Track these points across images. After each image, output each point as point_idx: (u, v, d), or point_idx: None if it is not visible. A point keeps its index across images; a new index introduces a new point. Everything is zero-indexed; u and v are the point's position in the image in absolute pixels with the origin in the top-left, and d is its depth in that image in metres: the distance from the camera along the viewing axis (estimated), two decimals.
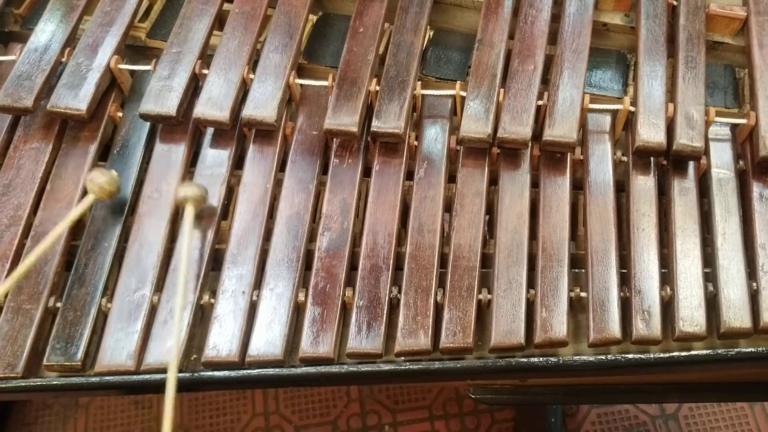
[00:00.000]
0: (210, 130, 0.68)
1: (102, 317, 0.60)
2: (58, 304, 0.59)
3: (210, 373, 0.58)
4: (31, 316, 0.58)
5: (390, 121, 0.64)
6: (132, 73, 0.70)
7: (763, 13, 0.72)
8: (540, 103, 0.65)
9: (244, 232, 0.62)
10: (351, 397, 1.30)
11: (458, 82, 0.67)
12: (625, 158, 0.67)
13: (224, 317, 0.59)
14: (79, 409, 1.30)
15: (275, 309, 0.59)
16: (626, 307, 0.60)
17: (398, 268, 0.62)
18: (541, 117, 0.66)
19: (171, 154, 0.66)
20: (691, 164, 0.66)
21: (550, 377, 0.69)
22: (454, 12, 0.76)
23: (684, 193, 0.64)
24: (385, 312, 0.59)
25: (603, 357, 0.60)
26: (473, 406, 1.29)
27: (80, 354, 0.57)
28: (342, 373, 0.59)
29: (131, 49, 0.74)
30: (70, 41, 0.70)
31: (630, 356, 0.60)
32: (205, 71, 0.67)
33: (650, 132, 0.64)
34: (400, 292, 0.60)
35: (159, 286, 0.60)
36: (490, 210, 0.65)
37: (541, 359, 0.59)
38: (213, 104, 0.65)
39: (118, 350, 0.58)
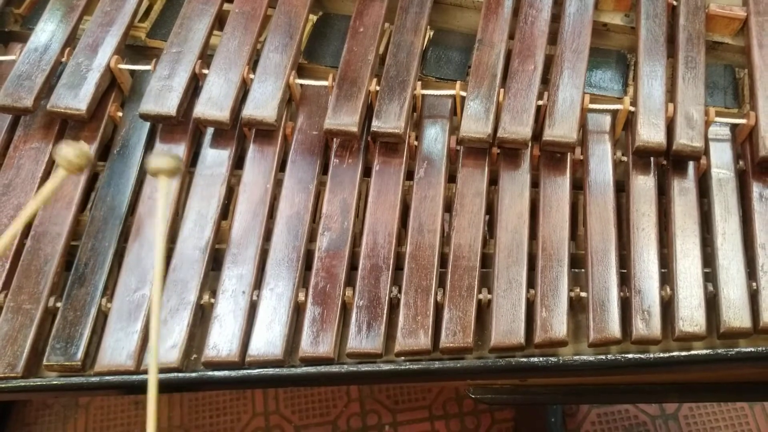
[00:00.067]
0: (210, 130, 0.68)
1: (102, 317, 0.60)
2: (58, 304, 0.59)
3: (210, 373, 0.58)
4: (31, 316, 0.58)
5: (390, 121, 0.64)
6: (132, 73, 0.70)
7: (763, 13, 0.72)
8: (540, 103, 0.65)
9: (244, 231, 0.62)
10: (351, 396, 1.30)
11: (458, 82, 0.67)
12: (625, 158, 0.67)
13: (224, 317, 0.59)
14: (79, 409, 1.30)
15: (275, 309, 0.59)
16: (626, 307, 0.60)
17: (398, 267, 0.62)
18: (541, 117, 0.66)
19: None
20: (691, 164, 0.66)
21: (550, 377, 0.69)
22: (454, 12, 0.76)
23: (684, 193, 0.64)
24: (385, 312, 0.59)
25: (603, 357, 0.60)
26: (473, 406, 1.29)
27: (80, 354, 0.57)
28: (342, 372, 0.59)
29: (131, 49, 0.74)
30: (70, 41, 0.70)
31: (630, 356, 0.60)
32: (205, 71, 0.67)
33: (650, 132, 0.64)
34: (400, 291, 0.60)
35: None
36: (490, 210, 0.65)
37: (541, 359, 0.59)
38: (213, 104, 0.65)
39: (118, 350, 0.58)
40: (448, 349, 0.59)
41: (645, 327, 0.59)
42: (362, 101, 0.65)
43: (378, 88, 0.66)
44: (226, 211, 0.65)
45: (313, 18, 0.76)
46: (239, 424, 1.28)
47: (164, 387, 0.57)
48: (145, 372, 0.57)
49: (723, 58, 0.76)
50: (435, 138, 0.67)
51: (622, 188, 0.66)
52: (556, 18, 0.71)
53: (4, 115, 0.67)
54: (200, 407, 1.29)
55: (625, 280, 0.61)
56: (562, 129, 0.64)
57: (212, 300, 0.60)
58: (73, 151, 0.55)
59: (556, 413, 1.22)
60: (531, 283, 0.61)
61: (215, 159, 0.66)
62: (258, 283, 0.61)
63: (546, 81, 0.68)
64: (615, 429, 1.26)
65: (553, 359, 0.60)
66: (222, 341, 0.58)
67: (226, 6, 0.72)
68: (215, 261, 0.63)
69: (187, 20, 0.70)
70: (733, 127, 0.68)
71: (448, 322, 0.59)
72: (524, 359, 0.60)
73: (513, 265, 0.61)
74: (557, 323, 0.59)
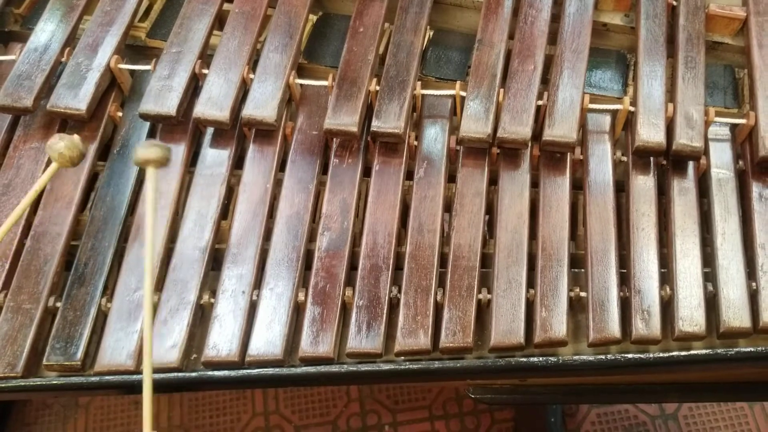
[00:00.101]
0: (210, 130, 0.68)
1: (102, 317, 0.60)
2: (58, 304, 0.59)
3: (210, 373, 0.58)
4: (31, 316, 0.58)
5: (390, 121, 0.64)
6: (132, 72, 0.70)
7: (763, 13, 0.72)
8: (540, 103, 0.65)
9: (244, 231, 0.62)
10: (351, 396, 1.30)
11: (458, 82, 0.67)
12: (624, 158, 0.67)
13: (224, 317, 0.59)
14: (79, 408, 1.30)
15: (275, 309, 0.59)
16: (626, 307, 0.60)
17: (398, 267, 0.62)
18: (540, 117, 0.66)
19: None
20: (691, 164, 0.66)
21: (550, 377, 0.69)
22: (454, 12, 0.76)
23: (683, 193, 0.64)
24: (384, 312, 0.59)
25: (603, 357, 0.60)
26: (473, 406, 1.29)
27: (80, 354, 0.57)
28: (342, 372, 0.59)
29: (131, 48, 0.74)
30: (70, 41, 0.70)
31: (629, 356, 0.60)
32: (205, 71, 0.67)
33: (650, 132, 0.64)
34: (400, 291, 0.60)
35: (159, 286, 0.60)
36: (490, 210, 0.65)
37: (540, 359, 0.59)
38: (213, 104, 0.65)
39: (117, 350, 0.58)
40: (448, 349, 0.59)
41: (645, 327, 0.59)
42: (362, 101, 0.65)
43: (378, 88, 0.66)
44: (226, 211, 0.65)
45: (313, 18, 0.76)
46: (239, 424, 1.28)
47: (164, 387, 0.57)
48: None
49: (723, 58, 0.76)
50: (435, 138, 0.67)
51: (621, 188, 0.66)
52: (556, 18, 0.71)
53: (3, 114, 0.67)
54: (200, 407, 1.29)
55: (624, 280, 0.61)
56: (561, 129, 0.64)
57: (212, 300, 0.60)
58: (64, 144, 0.54)
59: (556, 413, 1.22)
60: (531, 283, 0.61)
61: (215, 159, 0.66)
62: (258, 282, 0.61)
63: (546, 81, 0.68)
64: (615, 429, 1.26)
65: (552, 359, 0.60)
66: (222, 341, 0.58)
67: (226, 6, 0.72)
68: (215, 261, 0.63)
69: (187, 20, 0.70)
70: (733, 127, 0.68)
71: (447, 321, 0.59)
72: (524, 359, 0.60)
73: (513, 265, 0.61)
74: (557, 323, 0.59)
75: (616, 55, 0.75)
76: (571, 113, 0.65)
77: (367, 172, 0.66)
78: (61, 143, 0.54)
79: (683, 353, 0.60)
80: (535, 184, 0.65)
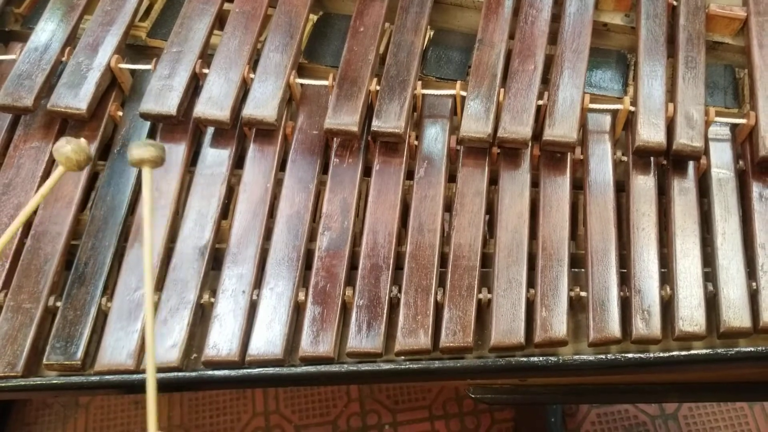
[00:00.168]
0: (210, 130, 0.68)
1: (102, 316, 0.60)
2: (58, 304, 0.59)
3: (210, 372, 0.58)
4: (31, 315, 0.58)
5: (390, 120, 0.64)
6: (132, 72, 0.70)
7: (763, 13, 0.72)
8: (540, 102, 0.65)
9: (244, 231, 0.62)
10: (351, 396, 1.30)
11: (458, 82, 0.67)
12: (625, 158, 0.67)
13: (224, 316, 0.59)
14: (79, 408, 1.30)
15: (275, 308, 0.59)
16: (626, 307, 0.60)
17: (398, 267, 0.62)
18: (541, 117, 0.66)
19: (171, 154, 0.66)
20: (691, 164, 0.66)
21: (550, 377, 0.69)
22: (455, 12, 0.76)
23: (684, 192, 0.64)
24: (385, 311, 0.59)
25: (603, 356, 0.60)
26: (473, 405, 1.29)
27: (80, 353, 0.57)
28: (342, 372, 0.59)
29: (132, 48, 0.75)
30: (71, 40, 0.70)
31: (630, 356, 0.60)
32: (206, 70, 0.67)
33: (650, 132, 0.64)
34: (400, 291, 0.60)
35: (159, 285, 0.60)
36: (490, 209, 0.65)
37: (540, 359, 0.60)
38: (213, 103, 0.65)
39: (118, 349, 0.58)
40: (448, 349, 0.59)
41: (645, 326, 0.59)
42: (362, 101, 0.65)
43: (378, 87, 0.66)
44: (226, 211, 0.65)
45: (314, 18, 0.76)
46: (239, 423, 1.28)
47: (164, 386, 0.57)
48: (145, 371, 0.57)
49: (723, 58, 0.76)
50: (435, 137, 0.67)
51: (622, 188, 0.66)
52: (557, 18, 0.71)
53: (4, 114, 0.67)
54: (200, 407, 1.29)
55: (625, 279, 0.61)
56: (562, 129, 0.64)
57: (212, 299, 0.60)
58: (71, 147, 0.54)
59: (556, 413, 1.22)
60: (531, 283, 0.61)
61: (215, 158, 0.66)
62: (258, 282, 0.61)
63: (546, 81, 0.68)
64: (615, 429, 1.26)
65: (553, 359, 0.60)
66: (222, 340, 0.58)
67: (226, 6, 0.72)
68: (215, 260, 0.63)
69: (188, 20, 0.70)
70: (733, 127, 0.68)
71: (448, 321, 0.59)
72: (524, 359, 0.60)
73: (513, 265, 0.61)
74: (557, 323, 0.59)
75: (616, 55, 0.75)
76: (572, 113, 0.65)
77: (367, 172, 0.66)
78: (68, 147, 0.53)
79: (683, 353, 0.60)
80: (535, 184, 0.65)
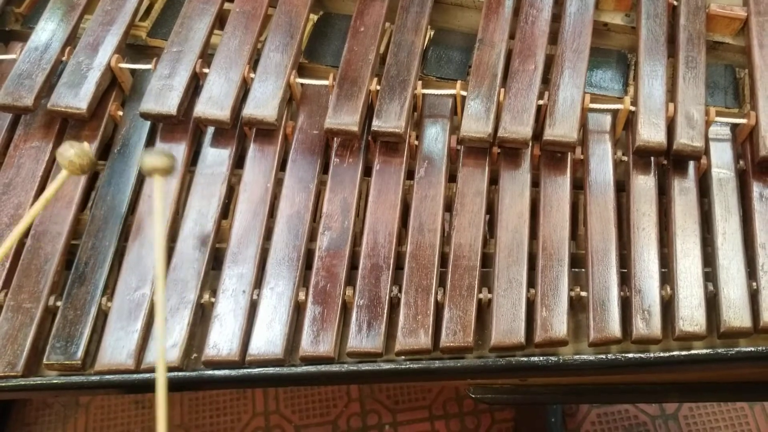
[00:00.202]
0: (210, 129, 0.68)
1: (102, 316, 0.60)
2: (59, 303, 0.59)
3: (210, 372, 0.58)
4: (32, 315, 0.58)
5: (390, 120, 0.64)
6: (133, 72, 0.70)
7: (764, 13, 0.72)
8: (540, 102, 0.65)
9: (244, 231, 0.62)
10: (351, 396, 1.30)
11: (459, 82, 0.67)
12: (625, 158, 0.67)
13: (225, 316, 0.59)
14: (80, 408, 1.30)
15: (276, 308, 0.59)
16: (626, 307, 0.60)
17: (399, 267, 0.62)
18: (541, 116, 0.66)
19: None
20: (692, 164, 0.66)
21: (551, 376, 0.69)
22: (455, 11, 0.76)
23: (684, 192, 0.64)
24: (385, 311, 0.59)
25: (603, 356, 0.60)
26: (473, 405, 1.29)
27: (80, 353, 0.57)
28: (342, 372, 0.59)
29: (132, 48, 0.74)
30: (71, 40, 0.70)
31: (630, 355, 0.60)
32: (206, 70, 0.67)
33: (650, 132, 0.64)
34: (400, 291, 0.60)
35: None
36: (491, 209, 0.65)
37: (541, 358, 0.59)
38: (214, 103, 0.65)
39: (118, 349, 0.58)
40: (449, 349, 0.59)
41: (645, 326, 0.59)
42: (363, 101, 0.65)
43: (378, 87, 0.66)
44: (226, 210, 0.65)
45: (314, 17, 0.76)
46: (239, 423, 1.28)
47: None
48: (146, 371, 0.58)
49: (723, 58, 0.76)
50: (435, 137, 0.67)
51: (622, 188, 0.66)
52: (557, 18, 0.71)
53: (4, 114, 0.67)
54: (200, 407, 1.29)
55: (625, 279, 0.61)
56: (562, 128, 0.64)
57: (212, 299, 0.60)
58: (74, 152, 0.54)
59: (556, 413, 1.22)
60: (531, 283, 0.61)
61: (216, 158, 0.66)
62: (258, 282, 0.61)
63: (546, 81, 0.68)
64: (615, 429, 1.26)
65: (553, 359, 0.60)
66: (222, 340, 0.58)
67: (226, 5, 0.72)
68: (216, 260, 0.63)
69: (188, 19, 0.70)
70: (734, 127, 0.68)
71: (448, 321, 0.59)
72: (524, 358, 0.60)
73: (513, 265, 0.61)
74: (557, 323, 0.59)
75: (616, 54, 0.75)
76: (572, 113, 0.65)
77: (367, 172, 0.66)
78: (72, 151, 0.53)
79: (684, 353, 0.60)
80: (535, 184, 0.65)
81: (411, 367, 0.59)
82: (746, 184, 0.65)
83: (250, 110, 0.65)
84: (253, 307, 0.60)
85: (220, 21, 0.72)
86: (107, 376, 0.57)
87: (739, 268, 0.61)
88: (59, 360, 0.57)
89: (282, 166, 0.66)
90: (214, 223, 0.63)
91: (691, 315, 0.59)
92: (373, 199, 0.64)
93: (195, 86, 0.68)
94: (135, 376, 0.57)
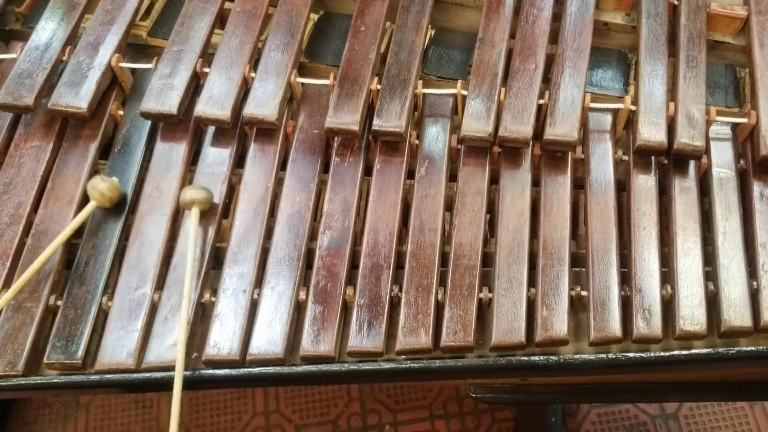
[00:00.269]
0: (211, 129, 0.68)
1: (102, 315, 0.60)
2: (59, 303, 0.59)
3: (211, 372, 0.58)
4: (32, 315, 0.58)
5: (391, 119, 0.64)
6: (133, 71, 0.70)
7: (764, 12, 0.72)
8: (541, 102, 0.65)
9: (245, 230, 0.62)
10: (351, 396, 1.30)
11: (459, 81, 0.67)
12: (626, 157, 0.67)
13: (225, 315, 0.59)
14: (80, 407, 1.30)
15: (276, 307, 0.59)
16: (627, 306, 0.60)
17: (399, 266, 0.62)
18: (542, 116, 0.66)
19: (172, 153, 0.66)
20: (692, 163, 0.66)
21: (551, 376, 0.69)
22: (456, 11, 0.76)
23: (685, 192, 0.64)
24: (386, 310, 0.59)
25: (603, 356, 0.60)
26: (474, 405, 1.29)
27: (81, 352, 0.57)
28: (343, 371, 0.59)
29: (132, 47, 0.74)
30: (71, 40, 0.70)
31: (630, 355, 0.60)
32: (207, 70, 0.67)
33: (651, 131, 0.64)
34: (401, 290, 0.60)
35: (160, 285, 0.60)
36: (491, 209, 0.65)
37: (541, 358, 0.59)
38: (214, 103, 0.65)
39: (118, 348, 0.58)
40: (449, 348, 0.59)
41: (646, 326, 0.59)
42: (363, 100, 0.65)
43: (379, 86, 0.66)
44: (227, 210, 0.65)
45: (314, 17, 0.76)
46: (240, 423, 1.28)
47: (165, 385, 0.57)
48: (146, 370, 0.58)
49: (724, 58, 0.76)
50: (436, 137, 0.67)
51: (623, 187, 0.66)
52: (558, 17, 0.71)
53: (5, 113, 0.67)
54: (201, 406, 1.29)
55: (625, 278, 0.61)
56: (563, 128, 0.64)
57: (213, 298, 0.60)
58: (105, 184, 0.61)
59: (557, 413, 1.22)
60: (532, 282, 0.61)
61: (216, 157, 0.66)
62: (259, 281, 0.61)
63: (547, 80, 0.68)
64: (615, 428, 1.26)
65: (553, 358, 0.60)
66: (223, 340, 0.58)
67: (227, 5, 0.72)
68: (216, 259, 0.63)
69: (189, 19, 0.70)
70: (734, 127, 0.68)
71: (448, 320, 0.59)
72: (525, 358, 0.60)
73: (514, 264, 0.61)
74: (558, 322, 0.59)
75: (617, 54, 0.75)
76: (573, 112, 0.65)
77: (368, 171, 0.66)
78: (103, 184, 0.60)
79: (684, 352, 0.60)
80: (536, 183, 0.65)
81: (411, 367, 0.59)
82: (747, 183, 0.65)
83: (250, 110, 0.65)
84: (253, 307, 0.60)
85: (221, 20, 0.72)
86: (107, 376, 0.57)
87: (740, 267, 0.61)
88: (60, 359, 0.57)
89: (282, 165, 0.66)
90: (215, 223, 0.63)
91: (692, 314, 0.59)
92: (373, 199, 0.64)
93: (195, 86, 0.68)
94: (135, 375, 0.57)
